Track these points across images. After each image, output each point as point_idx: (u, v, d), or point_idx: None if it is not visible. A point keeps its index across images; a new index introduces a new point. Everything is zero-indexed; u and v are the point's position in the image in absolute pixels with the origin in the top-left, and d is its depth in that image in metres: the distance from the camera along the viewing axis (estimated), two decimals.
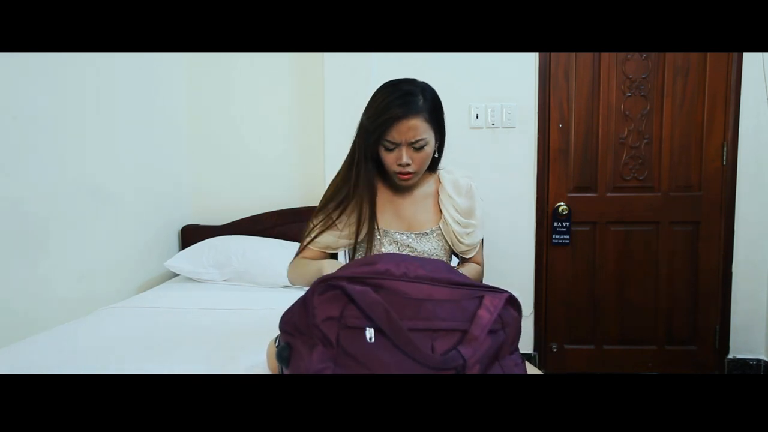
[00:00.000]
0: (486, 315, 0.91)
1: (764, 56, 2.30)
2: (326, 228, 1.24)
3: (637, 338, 2.51)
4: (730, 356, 2.48)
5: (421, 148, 1.18)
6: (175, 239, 2.53)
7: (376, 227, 1.23)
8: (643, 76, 2.40)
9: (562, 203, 2.47)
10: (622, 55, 2.40)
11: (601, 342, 2.53)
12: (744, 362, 2.47)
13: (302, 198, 2.54)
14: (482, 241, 1.36)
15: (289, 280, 1.30)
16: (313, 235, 1.25)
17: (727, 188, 2.40)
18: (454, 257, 1.40)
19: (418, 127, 1.16)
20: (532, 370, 1.14)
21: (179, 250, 2.46)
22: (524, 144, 2.46)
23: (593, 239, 2.49)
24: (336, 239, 1.25)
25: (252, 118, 2.57)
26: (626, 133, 2.43)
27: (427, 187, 1.32)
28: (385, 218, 1.26)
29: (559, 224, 2.47)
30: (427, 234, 1.27)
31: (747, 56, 2.34)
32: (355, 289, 0.89)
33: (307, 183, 2.55)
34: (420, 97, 1.16)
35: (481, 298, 0.94)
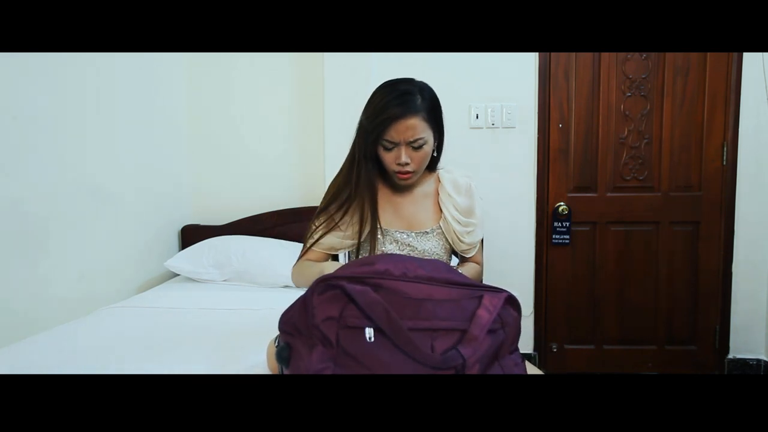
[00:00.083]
0: (485, 315, 0.91)
1: (764, 56, 2.30)
2: (329, 230, 1.24)
3: (637, 338, 2.51)
4: (730, 356, 2.48)
5: (420, 147, 1.19)
6: (175, 239, 2.53)
7: (378, 226, 1.24)
8: (643, 76, 2.40)
9: (562, 203, 2.47)
10: (622, 55, 2.40)
11: (601, 342, 2.53)
12: (744, 362, 2.47)
13: (302, 198, 2.54)
14: (482, 240, 1.37)
15: (294, 283, 1.30)
16: (316, 237, 1.25)
17: (727, 188, 2.40)
18: (453, 257, 1.40)
19: (417, 127, 1.16)
20: (532, 370, 1.14)
21: (179, 250, 2.46)
22: (524, 144, 2.46)
23: (593, 239, 2.49)
24: (339, 240, 1.25)
25: (252, 118, 2.57)
26: (626, 133, 2.43)
27: (427, 186, 1.32)
28: (385, 217, 1.26)
29: (559, 224, 2.47)
30: (427, 233, 1.27)
31: (747, 56, 2.34)
32: (354, 288, 0.89)
33: (307, 183, 2.55)
34: (418, 96, 1.17)
35: (481, 297, 0.94)
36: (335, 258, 1.33)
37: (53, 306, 1.75)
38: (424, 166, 1.25)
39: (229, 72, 2.56)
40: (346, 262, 1.37)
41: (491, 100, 2.44)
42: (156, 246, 2.37)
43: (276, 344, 1.13)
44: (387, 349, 0.87)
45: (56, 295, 1.77)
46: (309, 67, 2.49)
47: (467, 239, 1.28)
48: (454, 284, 0.94)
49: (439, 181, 1.32)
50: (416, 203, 1.30)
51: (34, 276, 1.69)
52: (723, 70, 2.36)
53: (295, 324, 0.96)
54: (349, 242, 1.25)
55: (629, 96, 2.42)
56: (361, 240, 1.23)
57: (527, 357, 2.47)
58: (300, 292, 0.98)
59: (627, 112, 2.42)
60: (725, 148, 2.39)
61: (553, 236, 2.48)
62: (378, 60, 2.38)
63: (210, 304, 1.88)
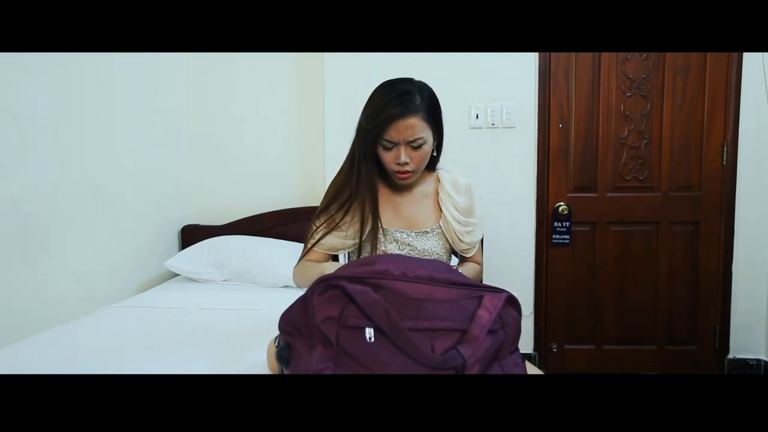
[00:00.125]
0: (485, 315, 0.91)
1: (764, 56, 2.30)
2: (330, 230, 1.24)
3: (637, 338, 2.51)
4: (730, 356, 2.48)
5: (419, 146, 1.19)
6: (175, 239, 2.53)
7: (379, 226, 1.24)
8: (643, 76, 2.40)
9: (562, 203, 2.47)
10: (622, 55, 2.40)
11: (601, 342, 2.53)
12: (744, 362, 2.47)
13: (302, 198, 2.54)
14: (482, 240, 1.37)
15: (295, 284, 1.30)
16: (317, 237, 1.25)
17: (727, 188, 2.40)
18: (453, 256, 1.40)
19: (416, 126, 1.16)
20: (532, 370, 1.14)
21: (179, 250, 2.46)
22: (524, 144, 2.46)
23: (593, 239, 2.49)
24: (340, 240, 1.25)
25: (252, 118, 2.57)
26: (626, 133, 2.43)
27: (427, 186, 1.32)
28: (385, 217, 1.26)
29: (559, 224, 2.47)
30: (427, 232, 1.27)
31: (747, 56, 2.34)
32: (355, 288, 0.89)
33: (307, 183, 2.55)
34: (417, 96, 1.17)
35: (481, 297, 0.94)
36: (335, 258, 1.33)
37: (53, 306, 1.75)
38: (424, 166, 1.25)
39: (229, 72, 2.56)
40: (346, 262, 1.37)
41: (491, 100, 2.44)
42: (156, 246, 2.37)
43: (276, 344, 1.13)
44: (387, 349, 0.87)
45: (56, 295, 1.77)
46: (309, 67, 2.49)
47: (467, 239, 1.28)
48: (454, 284, 0.94)
49: (439, 180, 1.32)
50: (416, 203, 1.30)
51: (34, 276, 1.69)
52: (723, 70, 2.36)
53: (295, 324, 0.96)
54: (350, 242, 1.25)
55: (629, 96, 2.42)
56: (362, 240, 1.24)
57: (527, 357, 2.47)
58: (300, 293, 0.98)
59: (627, 112, 2.42)
60: (725, 148, 2.39)
61: (553, 236, 2.48)
62: (378, 60, 2.38)
63: (210, 304, 1.88)
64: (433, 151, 1.26)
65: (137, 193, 2.21)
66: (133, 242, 2.19)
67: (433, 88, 1.24)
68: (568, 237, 2.47)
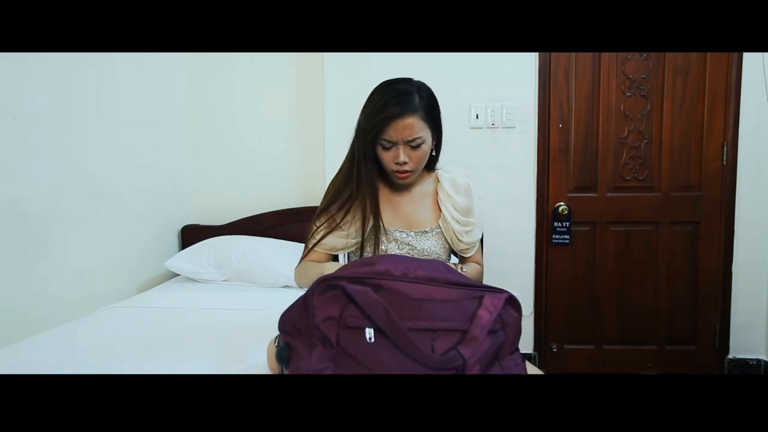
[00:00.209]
0: (486, 315, 0.91)
1: (764, 56, 2.30)
2: (331, 230, 1.24)
3: (637, 338, 2.51)
4: (730, 356, 2.48)
5: (418, 146, 1.19)
6: (175, 239, 2.53)
7: (381, 225, 1.24)
8: (643, 76, 2.40)
9: (562, 203, 2.47)
10: (622, 55, 2.40)
11: (601, 342, 2.53)
12: (744, 362, 2.47)
13: (302, 198, 2.54)
14: (481, 240, 1.36)
15: (297, 284, 1.30)
16: (317, 237, 1.25)
17: (727, 188, 2.40)
18: (453, 256, 1.40)
19: (415, 126, 1.16)
20: (532, 370, 1.14)
21: (179, 250, 2.46)
22: (524, 144, 2.46)
23: (593, 239, 2.49)
24: (341, 240, 1.25)
25: (252, 118, 2.57)
26: (626, 133, 2.43)
27: (426, 186, 1.32)
28: (385, 217, 1.26)
29: (559, 224, 2.47)
30: (426, 232, 1.27)
31: (747, 56, 2.34)
32: (355, 289, 0.89)
33: (307, 183, 2.55)
34: (416, 95, 1.17)
35: (481, 298, 0.94)
36: (335, 259, 1.33)
37: (53, 306, 1.75)
38: (423, 166, 1.25)
39: (229, 72, 2.56)
40: (346, 263, 1.37)
41: (491, 100, 2.44)
42: (156, 246, 2.37)
43: (276, 344, 1.13)
44: (387, 350, 0.87)
45: (56, 295, 1.77)
46: (309, 67, 2.49)
47: (466, 239, 1.28)
48: (454, 285, 0.94)
49: (438, 180, 1.32)
50: (415, 202, 1.30)
51: (34, 276, 1.69)
52: (723, 70, 2.36)
53: (294, 324, 0.96)
54: (352, 241, 1.25)
55: (629, 96, 2.42)
56: (363, 239, 1.24)
57: (527, 357, 2.47)
58: (301, 293, 0.98)
59: (627, 112, 2.42)
60: (725, 148, 2.39)
61: (553, 236, 2.48)
62: (378, 60, 2.38)
63: (210, 304, 1.88)
64: (432, 150, 1.26)
65: (137, 193, 2.21)
66: (133, 242, 2.19)
67: (433, 88, 1.24)
68: (568, 237, 2.47)
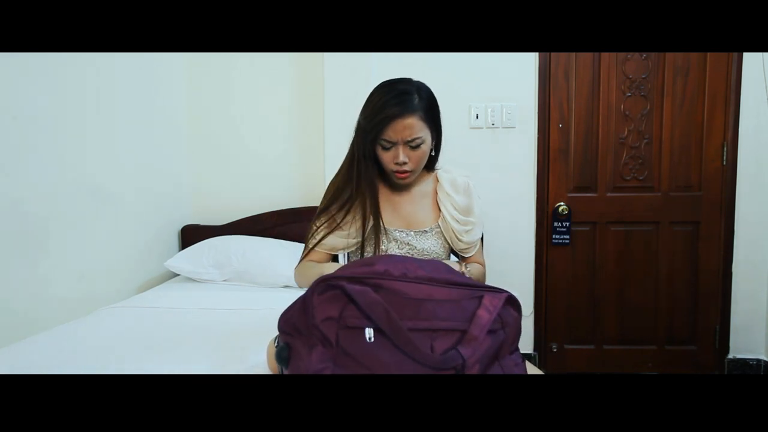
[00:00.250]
0: (485, 315, 0.91)
1: (764, 56, 2.30)
2: (331, 230, 1.24)
3: (637, 338, 2.51)
4: (730, 356, 2.48)
5: (418, 146, 1.19)
6: (175, 239, 2.53)
7: (381, 223, 1.24)
8: (643, 76, 2.40)
9: (562, 203, 2.47)
10: (622, 55, 2.40)
11: (601, 342, 2.53)
12: (744, 362, 2.47)
13: (302, 198, 2.54)
14: (482, 240, 1.36)
15: (297, 284, 1.30)
16: (318, 237, 1.25)
17: (727, 188, 2.40)
18: (454, 256, 1.40)
19: (414, 126, 1.16)
20: (532, 370, 1.14)
21: (179, 250, 2.46)
22: (524, 144, 2.46)
23: (593, 239, 2.49)
24: (341, 240, 1.25)
25: (252, 118, 2.57)
26: (626, 133, 2.43)
27: (425, 186, 1.32)
28: (385, 216, 1.26)
29: (559, 224, 2.47)
30: (426, 232, 1.27)
31: (747, 56, 2.34)
32: (354, 288, 0.89)
33: (307, 183, 2.55)
34: (415, 96, 1.17)
35: (481, 298, 0.94)
36: (335, 259, 1.33)
37: (53, 306, 1.75)
38: (422, 166, 1.25)
39: (229, 72, 2.56)
40: (345, 263, 1.37)
41: (491, 100, 2.44)
42: (156, 246, 2.37)
43: (276, 344, 1.13)
44: (387, 350, 0.87)
45: (56, 295, 1.77)
46: (309, 67, 2.49)
47: (466, 238, 1.28)
48: (453, 284, 0.94)
49: (438, 180, 1.32)
50: (415, 202, 1.30)
51: (34, 276, 1.69)
52: (723, 70, 2.36)
53: (294, 324, 0.96)
54: (352, 241, 1.25)
55: (629, 96, 2.42)
56: (365, 237, 1.24)
57: (527, 357, 2.47)
58: (301, 292, 0.98)
59: (627, 112, 2.42)
60: (725, 148, 2.39)
61: (553, 236, 2.48)
62: (378, 60, 2.38)
63: (210, 304, 1.88)
64: (431, 150, 1.26)
65: (137, 193, 2.21)
66: (133, 242, 2.19)
67: (433, 88, 1.24)
68: (568, 237, 2.47)
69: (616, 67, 2.40)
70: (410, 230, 1.27)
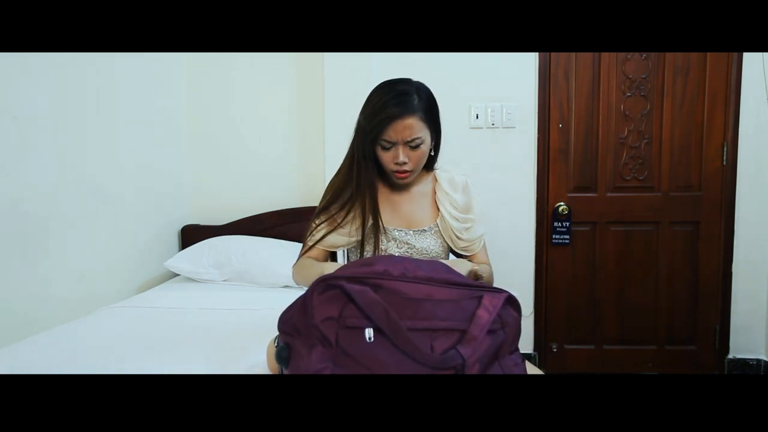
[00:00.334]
0: (485, 315, 0.91)
1: (764, 56, 2.30)
2: (332, 229, 1.24)
3: (637, 338, 2.51)
4: (730, 356, 2.48)
5: (418, 146, 1.19)
6: (175, 239, 2.53)
7: (380, 222, 1.24)
8: (643, 76, 2.40)
9: (562, 203, 2.47)
10: (622, 55, 2.40)
11: (601, 342, 2.53)
12: (744, 362, 2.47)
13: (302, 198, 2.54)
14: (484, 242, 1.36)
15: (294, 282, 1.30)
16: (317, 236, 1.26)
17: (727, 188, 2.40)
18: (452, 255, 1.40)
19: (414, 126, 1.17)
20: (532, 370, 1.14)
21: (179, 250, 2.46)
22: (524, 144, 2.46)
23: (593, 239, 2.49)
24: (340, 237, 1.25)
25: (252, 118, 2.57)
26: (626, 133, 2.43)
27: (424, 186, 1.33)
28: (384, 216, 1.27)
29: (559, 224, 2.47)
30: (425, 231, 1.28)
31: (747, 56, 2.34)
32: (354, 288, 0.89)
33: (307, 183, 2.55)
34: (415, 96, 1.18)
35: (480, 297, 0.94)
36: (334, 257, 1.33)
37: (53, 306, 1.75)
38: (422, 165, 1.25)
39: (229, 72, 2.56)
40: (345, 261, 1.37)
41: (491, 100, 2.44)
42: (156, 246, 2.37)
43: (275, 344, 1.13)
44: (386, 349, 0.87)
45: (56, 295, 1.77)
46: (309, 67, 2.49)
47: (465, 235, 1.28)
48: (453, 284, 0.94)
49: (436, 180, 1.32)
50: (414, 201, 1.31)
51: (34, 276, 1.69)
52: (723, 70, 2.36)
53: (294, 324, 0.96)
54: (351, 240, 1.25)
55: (629, 96, 2.42)
56: (363, 237, 1.24)
57: (527, 357, 2.47)
58: (301, 291, 0.98)
59: (627, 112, 2.42)
60: (725, 148, 2.39)
61: (553, 236, 2.48)
62: (378, 60, 2.38)
63: (210, 304, 1.88)
64: (430, 150, 1.26)
65: (137, 193, 2.21)
66: (133, 242, 2.19)
67: (433, 88, 1.24)
68: (568, 237, 2.47)
69: (616, 67, 2.40)
70: (409, 229, 1.27)
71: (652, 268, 2.47)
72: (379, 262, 0.95)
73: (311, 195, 2.51)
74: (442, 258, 1.30)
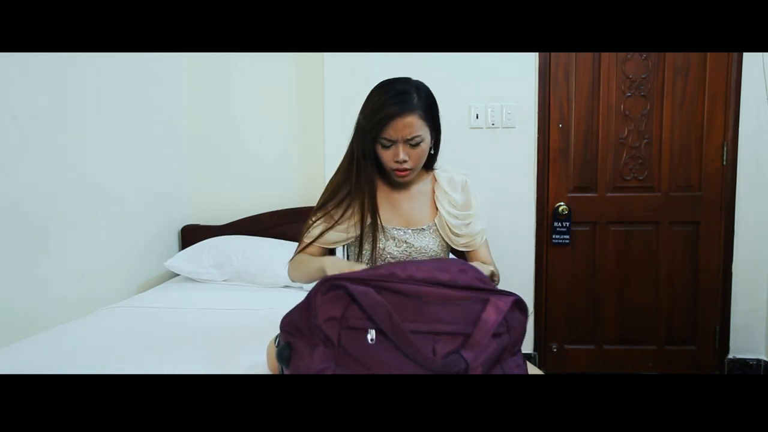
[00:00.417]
0: (491, 319, 0.91)
1: (764, 56, 2.30)
2: (329, 227, 1.24)
3: (637, 338, 2.51)
4: (730, 356, 2.48)
5: (417, 144, 1.20)
6: (175, 239, 2.53)
7: (379, 221, 1.24)
8: (643, 76, 2.40)
9: (562, 203, 2.47)
10: (622, 55, 2.40)
11: (601, 342, 2.53)
12: (744, 362, 2.47)
13: (302, 198, 2.54)
14: (487, 241, 1.36)
15: (290, 278, 1.30)
16: (314, 233, 1.26)
17: (727, 188, 2.40)
18: (452, 255, 1.40)
19: (414, 124, 1.17)
20: (532, 370, 1.14)
21: (179, 250, 2.46)
22: (524, 144, 2.46)
23: (593, 239, 2.49)
24: (338, 234, 1.25)
25: (252, 118, 2.57)
26: (626, 133, 2.43)
27: (424, 185, 1.33)
28: (383, 214, 1.27)
29: (559, 224, 2.47)
30: (423, 230, 1.28)
31: (747, 56, 2.34)
32: (357, 289, 0.89)
33: (307, 183, 2.55)
34: (414, 95, 1.18)
35: (486, 301, 0.93)
36: (333, 252, 1.33)
37: (53, 306, 1.75)
38: (422, 164, 1.25)
39: (229, 72, 2.56)
40: (344, 257, 1.37)
41: (491, 100, 2.44)
42: (156, 246, 2.37)
43: (276, 344, 1.13)
44: (389, 351, 0.87)
45: (56, 295, 1.77)
46: (309, 67, 2.49)
47: (465, 231, 1.28)
48: (459, 288, 0.94)
49: (436, 180, 1.33)
50: (413, 200, 1.31)
51: (34, 276, 1.69)
52: (723, 70, 2.36)
53: (296, 324, 0.96)
54: (350, 235, 1.25)
55: (629, 96, 2.42)
56: (361, 235, 1.24)
57: (527, 357, 2.47)
58: (300, 291, 0.98)
59: (627, 112, 2.42)
60: (725, 148, 2.39)
61: (553, 236, 2.48)
62: (378, 60, 2.38)
63: (210, 304, 1.88)
64: (430, 149, 1.26)
65: (137, 193, 2.21)
66: (133, 242, 2.19)
67: (433, 88, 1.24)
68: (568, 237, 2.47)
69: (616, 67, 2.40)
70: (408, 228, 1.27)
71: (652, 268, 2.47)
72: (385, 267, 0.94)
73: (311, 195, 2.51)
74: (441, 257, 1.30)
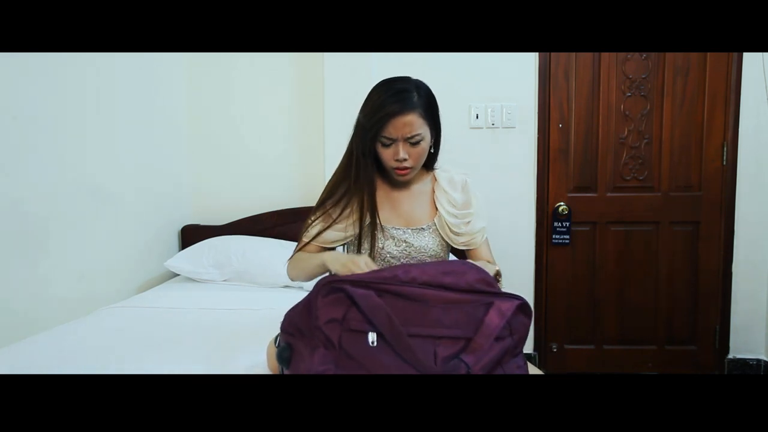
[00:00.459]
0: (493, 323, 0.90)
1: (764, 56, 2.30)
2: (328, 225, 1.24)
3: (637, 338, 2.51)
4: (730, 356, 2.48)
5: (417, 143, 1.20)
6: (175, 239, 2.53)
7: (378, 221, 1.24)
8: (643, 76, 2.40)
9: (562, 203, 2.47)
10: (622, 55, 2.40)
11: (601, 342, 2.53)
12: (744, 362, 2.47)
13: (302, 198, 2.54)
14: (488, 240, 1.36)
15: (289, 276, 1.30)
16: (312, 232, 1.26)
17: (727, 188, 2.40)
18: (452, 255, 1.39)
19: (414, 123, 1.17)
20: (532, 370, 1.14)
21: (179, 250, 2.46)
22: (524, 144, 2.46)
23: (593, 239, 2.49)
24: (335, 233, 1.25)
25: (252, 118, 2.57)
26: (626, 133, 2.43)
27: (424, 185, 1.33)
28: (382, 213, 1.27)
29: (559, 224, 2.47)
30: (423, 229, 1.28)
31: (747, 56, 2.34)
32: (357, 292, 0.89)
33: (307, 183, 2.55)
34: (414, 93, 1.18)
35: (490, 305, 0.93)
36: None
37: (53, 306, 1.75)
38: (422, 162, 1.25)
39: (229, 72, 2.56)
40: (344, 252, 1.37)
41: (491, 100, 2.44)
42: (156, 246, 2.37)
43: (276, 344, 1.13)
44: (389, 354, 0.87)
45: (56, 295, 1.77)
46: (309, 67, 2.49)
47: (464, 229, 1.28)
48: (462, 291, 0.93)
49: (436, 179, 1.33)
50: (413, 200, 1.31)
51: (34, 276, 1.68)
52: (723, 70, 2.36)
53: (297, 325, 0.96)
54: (349, 234, 1.25)
55: (629, 96, 2.42)
56: (360, 233, 1.24)
57: (527, 357, 2.47)
58: (300, 291, 0.98)
59: (627, 112, 2.42)
60: (725, 148, 2.39)
61: (553, 236, 2.48)
62: (378, 60, 2.38)
63: (210, 304, 1.88)
64: (430, 148, 1.26)
65: (137, 193, 2.21)
66: (133, 242, 2.19)
67: (433, 88, 1.25)
68: (568, 237, 2.47)
69: (616, 67, 2.40)
70: (407, 228, 1.27)
71: (652, 268, 2.47)
72: (388, 269, 0.94)
73: (311, 195, 2.51)
74: (441, 257, 1.30)
